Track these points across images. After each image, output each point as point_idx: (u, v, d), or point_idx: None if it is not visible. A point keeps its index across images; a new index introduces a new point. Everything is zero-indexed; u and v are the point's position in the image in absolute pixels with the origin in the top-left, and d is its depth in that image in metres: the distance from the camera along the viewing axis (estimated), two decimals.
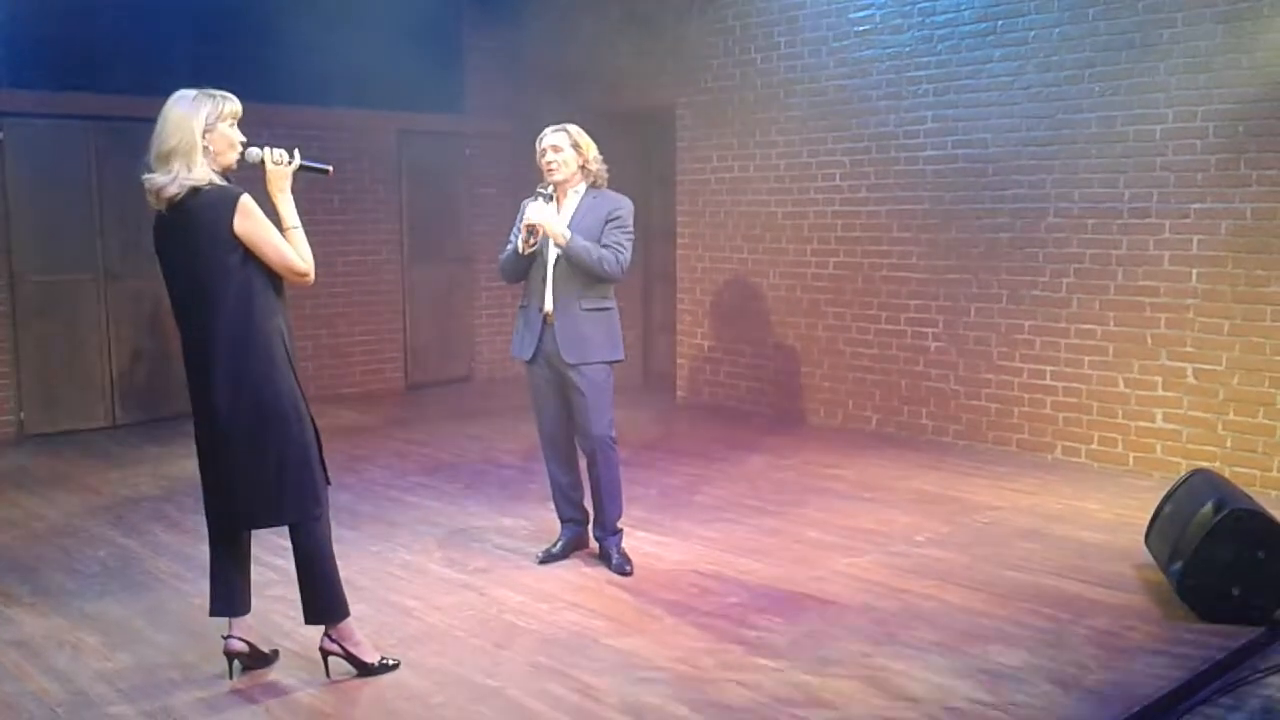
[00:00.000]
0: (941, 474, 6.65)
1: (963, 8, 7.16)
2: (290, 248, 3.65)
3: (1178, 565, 4.35)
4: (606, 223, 4.86)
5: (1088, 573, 4.85)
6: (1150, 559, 4.80)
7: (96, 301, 8.22)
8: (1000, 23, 6.98)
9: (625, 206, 4.94)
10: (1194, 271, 6.28)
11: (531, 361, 4.97)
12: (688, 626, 4.30)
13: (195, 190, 3.54)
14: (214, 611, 3.90)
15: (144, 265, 8.37)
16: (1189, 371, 6.33)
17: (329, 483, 3.85)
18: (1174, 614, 4.33)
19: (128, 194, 8.26)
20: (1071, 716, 3.54)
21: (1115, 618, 4.33)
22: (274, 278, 3.67)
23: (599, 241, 4.82)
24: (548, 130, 4.94)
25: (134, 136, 8.12)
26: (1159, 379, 6.45)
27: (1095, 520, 5.65)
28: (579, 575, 4.93)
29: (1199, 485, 4.69)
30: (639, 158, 9.75)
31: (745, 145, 8.53)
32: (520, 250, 4.83)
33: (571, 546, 5.18)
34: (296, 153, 3.76)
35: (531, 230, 4.78)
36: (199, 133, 3.56)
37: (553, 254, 4.85)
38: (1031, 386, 7.02)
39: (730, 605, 4.53)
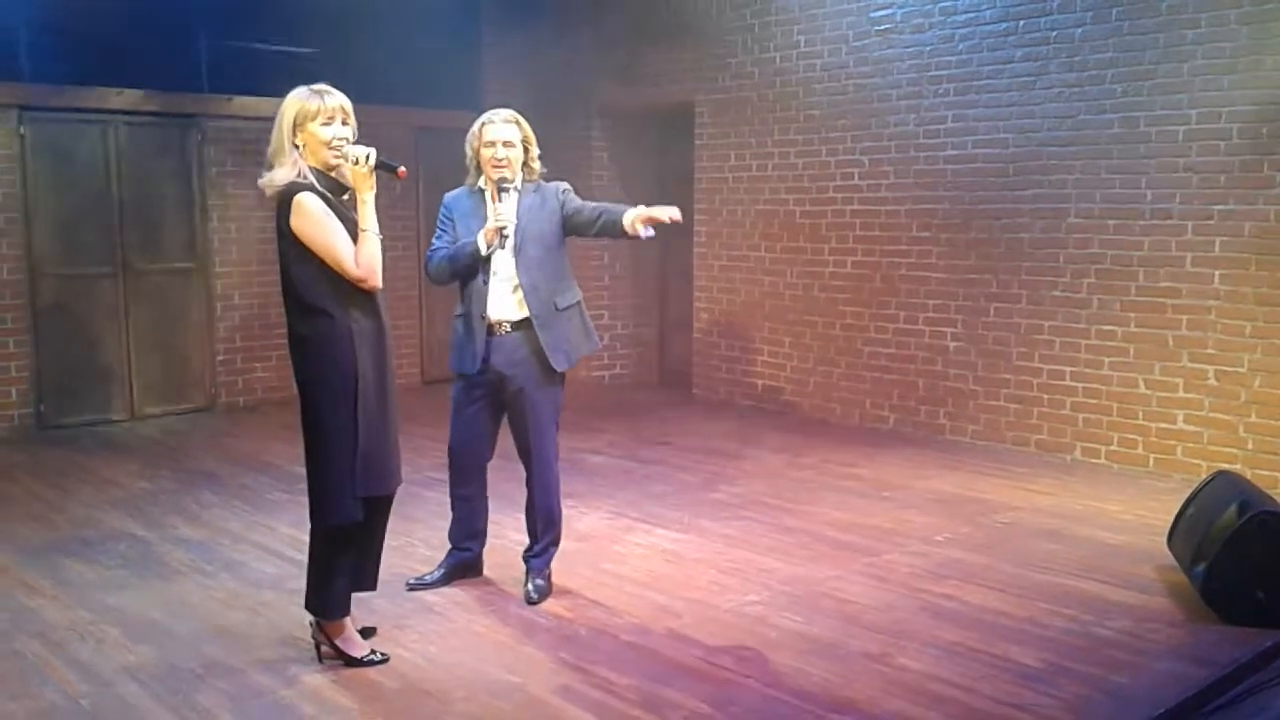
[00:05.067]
0: (960, 474, 6.63)
1: (984, 7, 7.13)
2: (344, 249, 3.64)
3: (1201, 568, 4.33)
4: (562, 208, 4.48)
5: (1110, 574, 4.83)
6: (1173, 561, 4.78)
7: (115, 295, 8.26)
8: (1022, 22, 6.95)
9: (567, 185, 4.58)
10: (1216, 273, 6.25)
11: (475, 375, 4.53)
12: (708, 624, 4.30)
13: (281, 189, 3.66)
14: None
15: (161, 259, 8.45)
16: (1210, 373, 6.30)
17: (368, 494, 3.81)
18: (1197, 617, 4.31)
19: (147, 189, 8.34)
20: (1094, 718, 3.53)
21: (1138, 620, 4.32)
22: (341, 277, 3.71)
23: (560, 230, 4.48)
24: (495, 119, 4.43)
25: (153, 132, 8.30)
26: (1180, 380, 6.42)
27: (1116, 521, 5.63)
28: (597, 572, 4.93)
29: (1222, 487, 4.66)
30: (657, 155, 9.76)
31: (764, 143, 8.51)
32: (483, 250, 4.38)
33: (457, 574, 4.78)
34: (373, 151, 3.71)
35: (500, 232, 4.35)
36: (288, 134, 3.66)
37: (510, 262, 4.43)
38: (1051, 387, 6.99)
39: (750, 604, 4.52)
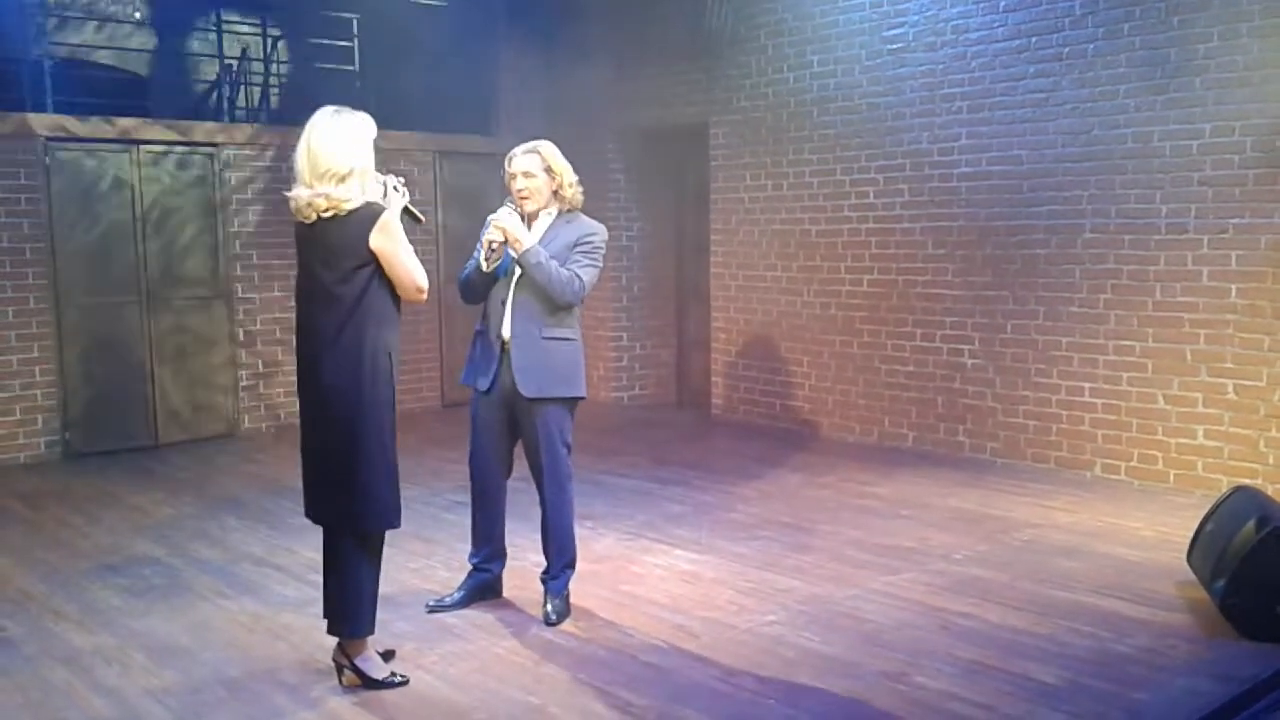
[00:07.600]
0: (979, 491, 6.63)
1: (996, 25, 7.16)
2: (418, 268, 3.79)
3: (1220, 583, 4.32)
4: (575, 248, 4.51)
5: (1129, 591, 4.82)
6: (1192, 577, 4.77)
7: (139, 323, 8.36)
8: (1034, 39, 6.98)
9: (598, 233, 4.60)
10: (1233, 287, 6.24)
11: (486, 392, 4.60)
12: (726, 644, 4.31)
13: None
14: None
15: (184, 287, 8.56)
16: (1230, 388, 6.28)
17: (394, 509, 3.91)
18: (1216, 632, 4.30)
19: (170, 217, 8.45)
20: None
21: (1157, 636, 4.31)
22: (391, 294, 3.80)
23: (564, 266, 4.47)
24: (518, 151, 4.56)
25: (176, 161, 8.40)
26: (1199, 395, 6.40)
27: (1136, 538, 5.61)
28: (616, 592, 4.95)
29: (1241, 503, 4.65)
30: (673, 176, 9.81)
31: (779, 163, 8.56)
32: (483, 265, 4.47)
33: (476, 595, 4.81)
34: (406, 192, 3.90)
35: (494, 242, 4.41)
36: (371, 153, 3.75)
37: (515, 275, 4.50)
38: (1070, 403, 6.98)
39: (768, 623, 4.53)
